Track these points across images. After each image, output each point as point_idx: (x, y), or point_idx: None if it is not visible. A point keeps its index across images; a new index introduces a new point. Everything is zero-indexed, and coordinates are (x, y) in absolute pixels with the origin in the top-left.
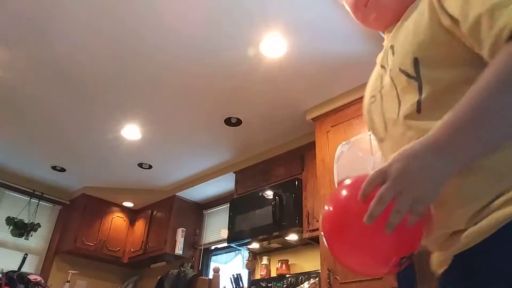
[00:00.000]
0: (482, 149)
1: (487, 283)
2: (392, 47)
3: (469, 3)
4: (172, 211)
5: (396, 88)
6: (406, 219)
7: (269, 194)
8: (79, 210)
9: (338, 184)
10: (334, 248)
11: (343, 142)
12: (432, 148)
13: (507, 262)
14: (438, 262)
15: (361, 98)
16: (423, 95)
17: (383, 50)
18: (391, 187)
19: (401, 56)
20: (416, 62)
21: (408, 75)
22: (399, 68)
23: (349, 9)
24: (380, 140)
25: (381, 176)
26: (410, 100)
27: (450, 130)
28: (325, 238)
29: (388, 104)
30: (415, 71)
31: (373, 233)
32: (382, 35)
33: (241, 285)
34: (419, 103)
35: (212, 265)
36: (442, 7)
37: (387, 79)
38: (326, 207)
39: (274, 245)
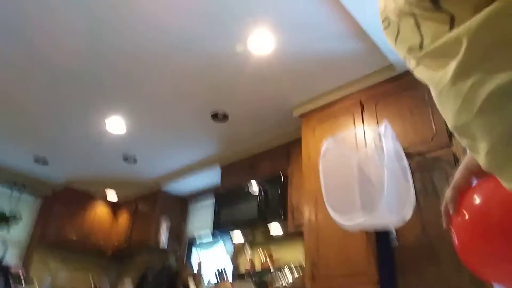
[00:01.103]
0: None
1: None
2: None
3: None
4: (157, 204)
5: None
6: None
7: (254, 188)
8: (62, 202)
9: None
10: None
11: (329, 138)
12: None
13: None
14: None
15: (348, 95)
16: None
17: None
18: None
19: None
20: None
21: None
22: None
23: None
24: None
25: None
26: None
27: None
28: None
29: None
30: None
31: None
32: None
33: (225, 279)
34: None
35: (197, 258)
36: None
37: None
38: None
39: (259, 238)
